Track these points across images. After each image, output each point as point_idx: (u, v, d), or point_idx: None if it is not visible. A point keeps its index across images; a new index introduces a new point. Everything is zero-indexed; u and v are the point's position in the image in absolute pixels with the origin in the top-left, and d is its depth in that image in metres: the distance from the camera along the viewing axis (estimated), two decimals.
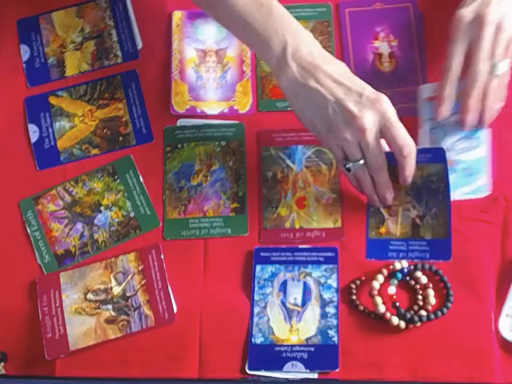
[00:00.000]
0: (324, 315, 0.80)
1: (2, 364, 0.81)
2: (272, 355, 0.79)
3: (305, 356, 0.78)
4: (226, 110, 0.89)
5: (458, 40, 0.78)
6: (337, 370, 0.77)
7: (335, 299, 0.80)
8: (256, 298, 0.81)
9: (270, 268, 0.82)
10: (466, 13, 0.77)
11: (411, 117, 0.85)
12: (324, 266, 0.82)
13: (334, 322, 0.79)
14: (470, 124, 0.81)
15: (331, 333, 0.79)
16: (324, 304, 0.80)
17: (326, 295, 0.81)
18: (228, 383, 0.79)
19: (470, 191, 0.82)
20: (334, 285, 0.81)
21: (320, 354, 0.78)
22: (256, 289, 0.82)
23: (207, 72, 0.91)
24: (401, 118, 0.85)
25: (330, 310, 0.80)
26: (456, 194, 0.81)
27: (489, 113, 0.81)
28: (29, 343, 0.82)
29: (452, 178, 0.82)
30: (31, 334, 0.82)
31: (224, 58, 0.92)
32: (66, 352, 0.81)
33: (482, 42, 0.76)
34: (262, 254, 0.83)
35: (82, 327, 0.81)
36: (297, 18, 0.91)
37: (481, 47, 0.77)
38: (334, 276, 0.81)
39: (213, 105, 0.89)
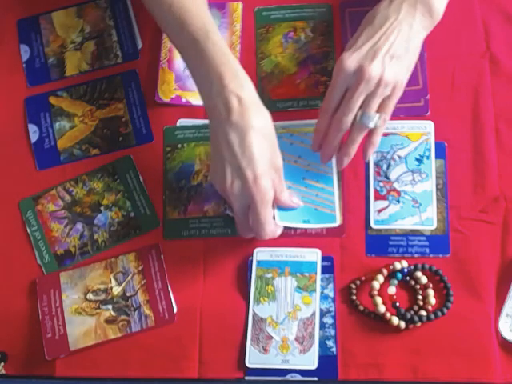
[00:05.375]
0: (322, 326, 0.80)
1: (2, 364, 0.81)
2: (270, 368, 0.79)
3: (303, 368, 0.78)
4: None
5: (338, 86, 0.77)
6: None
7: (332, 309, 0.80)
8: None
9: None
10: (350, 62, 0.76)
11: (411, 116, 0.85)
12: (320, 276, 0.81)
13: (332, 332, 0.79)
14: (326, 160, 0.81)
15: (329, 343, 0.79)
16: (321, 315, 0.80)
17: (323, 305, 0.80)
18: (228, 383, 0.79)
19: (416, 222, 0.82)
20: (331, 295, 0.81)
21: (319, 366, 0.78)
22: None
23: None
24: (401, 118, 0.85)
25: (328, 320, 0.80)
26: (403, 224, 0.82)
27: (343, 156, 0.80)
28: (29, 343, 0.82)
29: (398, 207, 0.82)
30: (31, 334, 0.82)
31: None
32: (66, 352, 0.81)
33: (356, 93, 0.76)
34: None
35: (81, 327, 0.81)
36: (297, 18, 0.91)
37: (353, 97, 0.76)
38: (331, 286, 0.81)
39: (198, 95, 0.88)
